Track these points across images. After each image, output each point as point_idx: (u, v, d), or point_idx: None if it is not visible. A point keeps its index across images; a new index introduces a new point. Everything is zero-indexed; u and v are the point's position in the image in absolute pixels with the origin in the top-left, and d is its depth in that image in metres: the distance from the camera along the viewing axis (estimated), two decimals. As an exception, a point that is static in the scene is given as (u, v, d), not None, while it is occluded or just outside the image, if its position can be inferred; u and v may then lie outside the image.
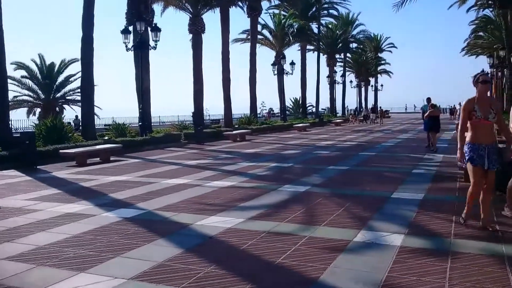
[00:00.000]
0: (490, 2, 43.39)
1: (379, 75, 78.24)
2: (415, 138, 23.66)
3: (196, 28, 26.77)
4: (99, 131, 22.69)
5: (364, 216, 6.84)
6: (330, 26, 55.12)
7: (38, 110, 32.79)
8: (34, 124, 22.49)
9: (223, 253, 5.22)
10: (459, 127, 5.96)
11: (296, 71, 40.07)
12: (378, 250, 5.20)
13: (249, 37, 37.81)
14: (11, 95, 29.03)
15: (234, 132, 24.41)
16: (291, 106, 54.42)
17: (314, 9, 47.40)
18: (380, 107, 56.43)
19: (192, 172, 11.93)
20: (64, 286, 4.29)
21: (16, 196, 8.92)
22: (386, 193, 8.65)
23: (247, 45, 37.10)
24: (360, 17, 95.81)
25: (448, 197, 8.33)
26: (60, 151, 14.18)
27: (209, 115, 44.40)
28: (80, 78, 32.87)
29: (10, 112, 16.53)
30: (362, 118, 45.60)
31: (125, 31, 20.51)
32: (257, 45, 36.34)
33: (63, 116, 19.39)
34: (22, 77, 32.31)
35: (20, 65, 32.38)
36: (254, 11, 33.56)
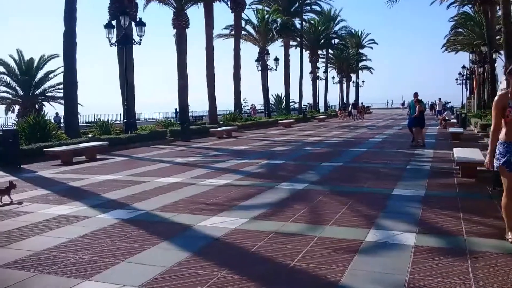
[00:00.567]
0: (470, -2, 43.99)
1: (360, 71, 78.86)
2: (401, 133, 23.72)
3: (180, 23, 26.32)
4: (81, 128, 22.08)
5: (370, 214, 6.68)
6: (312, 22, 55.12)
7: (17, 107, 31.89)
8: (15, 122, 21.80)
9: (233, 256, 4.99)
10: (492, 127, 5.11)
11: (280, 67, 39.86)
12: (393, 250, 5.04)
13: (232, 32, 37.50)
14: (-12, 92, 28.28)
15: (221, 128, 24.11)
16: (273, 102, 54.33)
17: (297, 5, 47.28)
18: (362, 103, 56.68)
19: (183, 170, 11.64)
20: (69, 296, 4.02)
21: (2, 197, 8.49)
22: (386, 190, 8.53)
23: (229, 41, 36.83)
24: (342, 13, 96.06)
25: (449, 193, 8.24)
26: (45, 149, 13.70)
27: (192, 112, 43.92)
28: (60, 74, 32.63)
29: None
30: (347, 114, 45.69)
31: (108, 26, 19.96)
32: (241, 40, 36.01)
33: (45, 113, 18.70)
34: (0, 73, 31.38)
35: (-3, 61, 31.43)
36: (238, 6, 33.22)
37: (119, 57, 21.87)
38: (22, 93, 31.32)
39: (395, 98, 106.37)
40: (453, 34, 55.85)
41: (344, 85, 72.45)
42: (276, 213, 6.86)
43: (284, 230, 5.87)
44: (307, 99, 57.55)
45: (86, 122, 29.78)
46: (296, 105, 52.55)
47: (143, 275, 4.40)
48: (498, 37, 39.90)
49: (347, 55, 69.43)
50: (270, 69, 37.44)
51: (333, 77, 65.58)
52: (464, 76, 54.30)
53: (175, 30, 26.72)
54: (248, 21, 40.12)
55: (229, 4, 33.07)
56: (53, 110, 31.99)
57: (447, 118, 28.42)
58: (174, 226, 6.25)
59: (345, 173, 11.06)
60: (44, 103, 32.27)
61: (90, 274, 4.46)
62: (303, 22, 49.19)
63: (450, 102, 62.44)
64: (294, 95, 49.80)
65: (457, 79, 61.46)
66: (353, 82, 76.78)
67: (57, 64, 41.50)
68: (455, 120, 28.67)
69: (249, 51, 72.03)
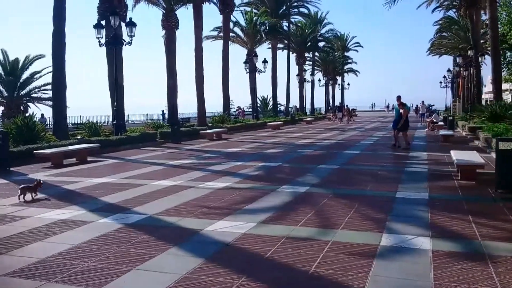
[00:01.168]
0: (455, 3, 44.57)
1: (346, 74, 79.22)
2: (390, 136, 23.60)
3: (170, 24, 26.05)
4: (68, 130, 21.66)
5: (378, 217, 6.59)
6: (299, 24, 55.18)
7: (0, 108, 31.15)
8: (0, 123, 21.27)
9: (248, 262, 4.83)
10: None
11: (267, 69, 39.83)
12: (411, 255, 4.94)
13: (220, 34, 37.27)
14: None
15: (211, 131, 23.90)
16: (259, 104, 54.19)
17: (284, 7, 47.25)
18: (347, 106, 56.90)
19: (179, 172, 11.43)
20: (83, 306, 3.82)
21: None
22: (389, 192, 8.47)
23: (216, 43, 36.57)
24: (329, 16, 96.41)
25: (453, 196, 8.21)
26: (35, 151, 13.35)
27: (178, 113, 43.60)
28: (46, 75, 31.97)
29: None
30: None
31: (98, 26, 19.63)
32: (229, 42, 35.81)
33: (34, 114, 18.25)
34: (-16, 74, 30.60)
35: (-20, 61, 30.67)
36: (226, 8, 33.03)
37: (108, 58, 21.51)
38: (6, 94, 30.60)
39: (378, 101, 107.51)
40: (437, 38, 56.51)
41: (330, 88, 72.78)
42: (283, 217, 6.73)
43: (295, 235, 5.73)
44: (294, 101, 57.63)
45: (72, 124, 29.26)
46: (282, 107, 52.53)
47: (158, 283, 4.22)
48: (482, 41, 40.52)
49: (333, 57, 69.68)
50: (259, 71, 37.34)
51: (319, 80, 65.85)
52: (450, 79, 54.88)
53: (165, 31, 26.44)
54: (237, 23, 39.98)
55: (218, 5, 32.89)
56: (38, 111, 31.36)
57: (434, 120, 28.64)
58: (180, 231, 6.07)
59: (344, 175, 10.98)
60: (29, 104, 31.58)
61: (101, 283, 4.26)
62: (291, 25, 49.23)
63: (433, 105, 63.14)
64: (281, 97, 49.78)
65: (441, 82, 62.13)
66: (339, 84, 77.13)
67: (43, 64, 40.85)
68: (442, 123, 28.94)
69: (237, 53, 71.74)
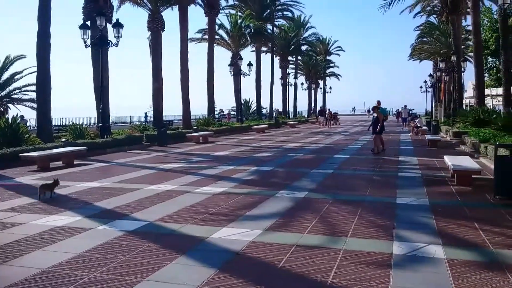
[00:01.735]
0: (436, 9, 45.24)
1: (328, 78, 79.68)
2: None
3: (156, 26, 25.75)
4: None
5: (384, 224, 6.51)
6: (283, 28, 55.28)
7: (-21, 109, 30.31)
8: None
9: (263, 272, 4.67)
10: None
11: (251, 72, 39.74)
12: (427, 264, 4.85)
13: (205, 36, 37.11)
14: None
15: (197, 134, 23.64)
16: (241, 108, 54.02)
17: (269, 11, 47.29)
18: (329, 109, 57.13)
19: (172, 177, 11.20)
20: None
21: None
22: (388, 198, 8.42)
23: (200, 45, 36.25)
24: (312, 20, 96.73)
25: (452, 202, 8.20)
26: (21, 154, 12.93)
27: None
28: (27, 76, 31.24)
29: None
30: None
31: (83, 27, 19.24)
32: (214, 45, 35.61)
33: (18, 116, 17.68)
34: (-39, 74, 29.74)
35: (-42, 61, 29.80)
36: (212, 10, 32.85)
37: (93, 59, 21.11)
38: (-15, 95, 29.86)
39: (358, 105, 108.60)
40: (418, 43, 57.20)
41: (312, 92, 73.06)
42: (288, 223, 6.59)
43: (304, 243, 5.60)
44: (276, 104, 57.65)
45: (54, 126, 28.62)
46: (264, 110, 52.50)
47: (173, 296, 4.04)
48: (462, 46, 41.13)
49: (316, 61, 70.02)
50: (243, 74, 37.19)
51: (302, 83, 66.00)
52: (431, 84, 55.60)
53: (150, 32, 26.12)
54: (222, 26, 39.81)
55: (203, 7, 32.68)
56: (19, 112, 30.57)
57: (419, 125, 28.92)
58: (185, 238, 5.87)
59: (340, 180, 10.90)
60: (9, 105, 30.82)
61: (113, 295, 4.06)
62: (275, 28, 49.29)
63: (413, 109, 63.79)
64: (263, 100, 49.73)
65: (421, 86, 62.87)
66: (321, 88, 77.51)
67: (24, 65, 39.85)
68: (426, 128, 29.23)
69: (221, 55, 71.38)
